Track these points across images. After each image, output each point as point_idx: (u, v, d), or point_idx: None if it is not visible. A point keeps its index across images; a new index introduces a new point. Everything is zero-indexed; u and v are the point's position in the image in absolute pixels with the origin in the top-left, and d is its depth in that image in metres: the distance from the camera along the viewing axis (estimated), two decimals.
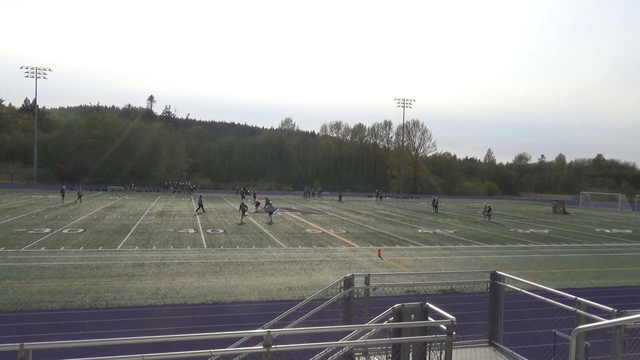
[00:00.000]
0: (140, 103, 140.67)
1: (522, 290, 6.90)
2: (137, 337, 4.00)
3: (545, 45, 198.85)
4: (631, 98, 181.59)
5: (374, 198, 70.09)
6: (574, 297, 5.83)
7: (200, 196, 45.33)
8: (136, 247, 21.59)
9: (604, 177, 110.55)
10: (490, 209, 41.60)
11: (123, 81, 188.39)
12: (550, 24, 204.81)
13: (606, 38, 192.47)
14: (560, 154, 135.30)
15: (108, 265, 17.68)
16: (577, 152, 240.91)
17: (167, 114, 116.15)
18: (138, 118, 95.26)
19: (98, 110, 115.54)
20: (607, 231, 36.01)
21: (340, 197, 66.68)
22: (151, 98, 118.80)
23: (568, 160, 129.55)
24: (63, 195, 45.01)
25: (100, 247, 21.21)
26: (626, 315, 4.85)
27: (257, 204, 44.55)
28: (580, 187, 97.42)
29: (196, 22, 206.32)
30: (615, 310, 5.08)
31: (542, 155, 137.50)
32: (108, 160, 77.65)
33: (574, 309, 5.76)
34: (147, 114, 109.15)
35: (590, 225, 40.35)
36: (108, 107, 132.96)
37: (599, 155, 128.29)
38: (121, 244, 22.43)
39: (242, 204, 36.52)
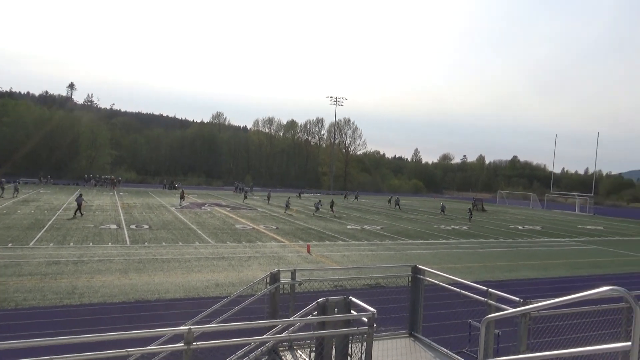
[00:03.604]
0: (60, 90, 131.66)
1: (441, 284, 7.24)
2: (46, 338, 3.74)
3: (469, 51, 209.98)
4: (545, 104, 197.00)
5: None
6: (485, 288, 6.21)
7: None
8: (51, 244, 20.25)
9: (519, 177, 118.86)
10: (444, 207, 47.95)
11: (40, 66, 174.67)
12: (475, 31, 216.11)
13: (524, 49, 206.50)
14: (481, 154, 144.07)
15: (18, 263, 16.44)
16: (496, 153, 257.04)
17: (89, 103, 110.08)
18: (56, 106, 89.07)
19: (10, 96, 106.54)
20: (520, 227, 38.70)
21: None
22: (72, 85, 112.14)
23: (487, 161, 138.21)
24: (3, 190, 41.54)
25: (10, 244, 19.67)
26: (530, 304, 5.24)
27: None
28: (497, 186, 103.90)
29: (120, 5, 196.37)
30: (521, 300, 5.47)
31: (464, 156, 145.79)
32: (21, 150, 71.95)
33: (486, 299, 6.14)
34: (67, 102, 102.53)
35: (505, 222, 43.17)
36: (22, 93, 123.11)
37: (515, 157, 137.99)
38: (34, 240, 20.94)
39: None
